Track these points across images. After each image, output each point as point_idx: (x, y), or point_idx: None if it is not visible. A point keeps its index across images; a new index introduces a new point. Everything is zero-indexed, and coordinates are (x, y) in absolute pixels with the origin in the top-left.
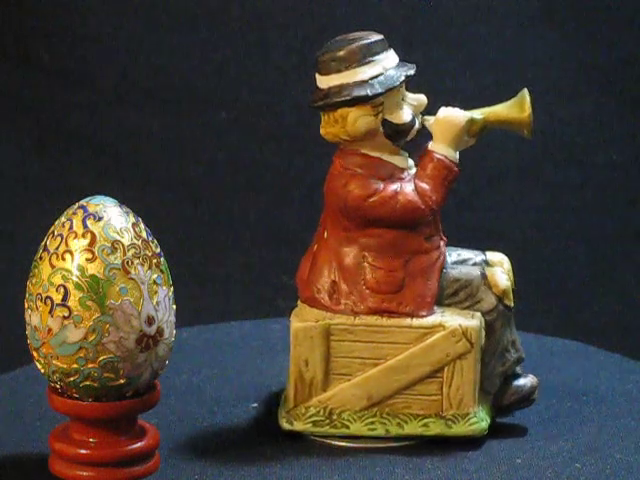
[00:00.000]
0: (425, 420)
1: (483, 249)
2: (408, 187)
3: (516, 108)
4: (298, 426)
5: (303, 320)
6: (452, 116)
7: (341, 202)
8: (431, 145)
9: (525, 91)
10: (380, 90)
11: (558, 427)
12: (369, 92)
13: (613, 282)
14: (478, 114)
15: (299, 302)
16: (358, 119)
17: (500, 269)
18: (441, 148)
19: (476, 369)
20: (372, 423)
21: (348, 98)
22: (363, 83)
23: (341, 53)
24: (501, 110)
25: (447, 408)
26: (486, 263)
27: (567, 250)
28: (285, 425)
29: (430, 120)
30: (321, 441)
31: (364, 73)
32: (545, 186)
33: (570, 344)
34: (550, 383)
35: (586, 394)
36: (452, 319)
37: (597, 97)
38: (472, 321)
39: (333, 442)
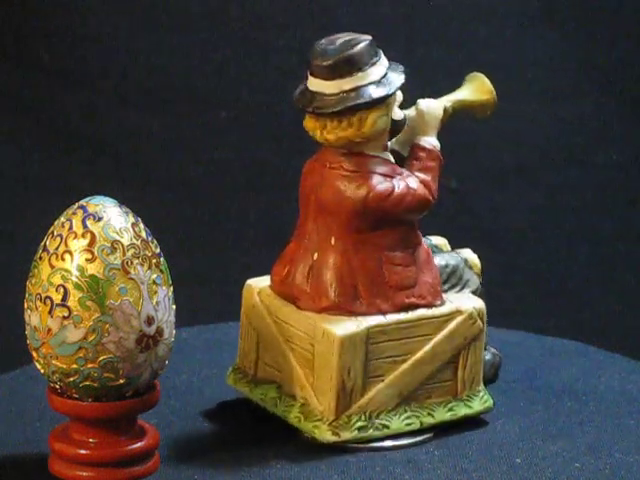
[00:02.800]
0: (449, 405)
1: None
2: (413, 181)
3: (480, 92)
4: (345, 436)
5: (345, 329)
6: (433, 107)
7: (357, 204)
8: (417, 137)
9: (479, 74)
10: (394, 89)
11: (558, 427)
12: (388, 91)
13: (613, 282)
14: (447, 102)
15: (309, 314)
16: (377, 120)
17: (469, 249)
18: (429, 139)
19: (483, 347)
20: (408, 418)
21: (372, 99)
22: (378, 83)
23: (348, 56)
24: (466, 95)
25: (461, 390)
26: (436, 247)
27: (567, 250)
28: (331, 438)
29: (410, 114)
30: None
31: (374, 74)
32: (545, 186)
33: (570, 344)
34: (550, 383)
35: (586, 394)
36: (463, 303)
37: (597, 97)
38: (479, 301)
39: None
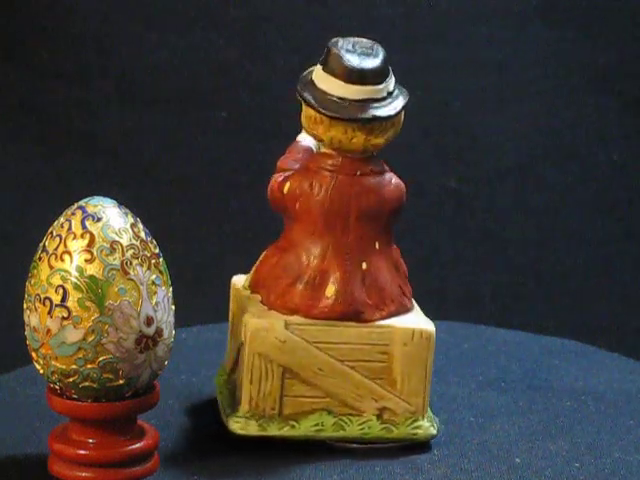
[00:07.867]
0: None
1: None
2: None
3: None
4: (436, 426)
5: (430, 324)
6: None
7: (395, 204)
8: None
9: None
10: None
11: (558, 427)
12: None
13: (613, 282)
14: None
15: (378, 322)
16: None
17: None
18: None
19: None
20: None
21: (407, 95)
22: (395, 80)
23: (385, 58)
24: None
25: None
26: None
27: (567, 250)
28: (434, 432)
29: None
30: (320, 441)
31: (391, 72)
32: (545, 186)
33: (570, 344)
34: (550, 383)
35: (586, 394)
36: None
37: (597, 97)
38: None
39: (333, 442)
